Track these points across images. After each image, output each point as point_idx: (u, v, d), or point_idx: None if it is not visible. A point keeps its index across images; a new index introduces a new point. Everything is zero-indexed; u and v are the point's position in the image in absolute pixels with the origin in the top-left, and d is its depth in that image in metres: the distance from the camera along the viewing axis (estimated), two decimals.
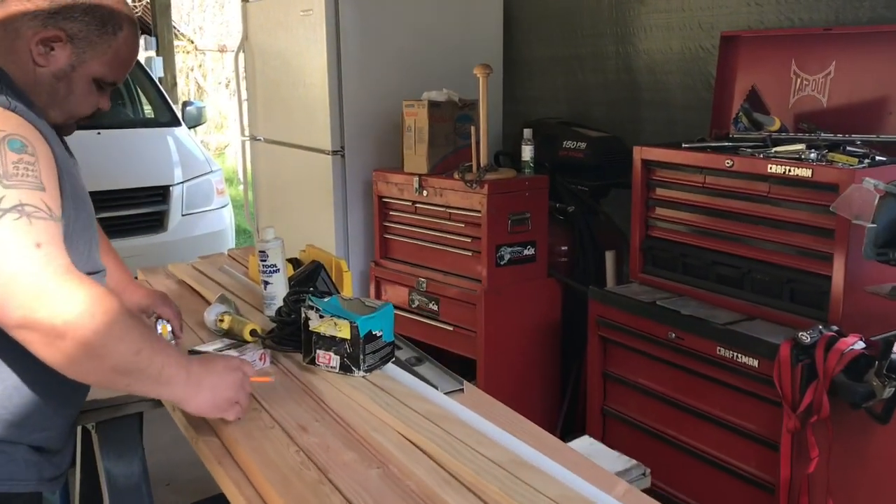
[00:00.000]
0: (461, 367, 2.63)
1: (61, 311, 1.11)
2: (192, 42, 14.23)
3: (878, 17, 2.39)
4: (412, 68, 3.37)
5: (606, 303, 2.49)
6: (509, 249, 2.83)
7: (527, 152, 2.93)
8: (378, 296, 3.26)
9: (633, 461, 1.47)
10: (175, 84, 8.48)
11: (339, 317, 1.59)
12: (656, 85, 3.12)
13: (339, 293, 1.99)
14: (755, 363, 2.05)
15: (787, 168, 2.09)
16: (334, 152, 3.35)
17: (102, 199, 4.15)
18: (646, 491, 1.34)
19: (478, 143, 2.79)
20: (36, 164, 1.19)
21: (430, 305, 3.01)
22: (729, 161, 2.23)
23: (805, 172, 2.05)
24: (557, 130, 3.13)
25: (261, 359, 1.72)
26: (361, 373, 1.61)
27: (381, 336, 1.63)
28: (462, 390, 1.63)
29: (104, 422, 1.67)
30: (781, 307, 2.17)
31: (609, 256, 2.97)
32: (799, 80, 2.46)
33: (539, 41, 3.66)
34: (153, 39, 8.27)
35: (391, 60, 3.37)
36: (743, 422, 2.13)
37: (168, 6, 8.55)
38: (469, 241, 2.88)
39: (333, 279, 2.03)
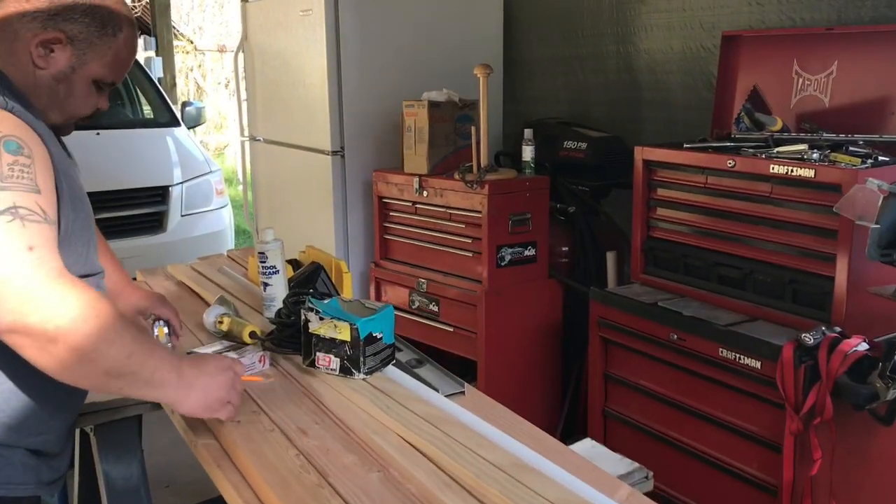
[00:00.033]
0: (461, 369, 2.63)
1: (53, 316, 1.10)
2: (192, 42, 14.23)
3: (881, 17, 2.38)
4: (412, 68, 3.36)
5: (607, 304, 2.48)
6: (510, 250, 2.83)
7: (527, 152, 2.92)
8: (378, 297, 3.25)
9: (636, 464, 1.46)
10: (174, 84, 8.48)
11: (339, 319, 1.58)
12: (657, 85, 3.11)
13: (338, 294, 1.98)
14: (757, 365, 2.04)
15: (790, 168, 2.08)
16: (334, 152, 3.34)
17: (102, 200, 4.15)
18: (648, 494, 1.33)
19: (478, 143, 2.78)
20: (32, 167, 1.18)
21: (431, 306, 3.00)
22: (731, 161, 2.22)
23: (808, 173, 2.04)
24: (558, 130, 3.12)
25: (260, 361, 1.71)
26: (362, 375, 1.60)
27: (381, 338, 1.62)
28: (463, 393, 1.62)
29: (103, 424, 1.66)
30: (784, 308, 2.16)
31: (610, 257, 2.96)
32: (801, 80, 2.45)
33: (539, 41, 3.65)
34: (152, 39, 8.27)
35: (391, 60, 3.36)
36: (745, 424, 2.12)
37: (167, 6, 8.55)
38: (469, 241, 2.87)
39: (333, 280, 2.02)
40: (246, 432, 1.42)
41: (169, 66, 8.32)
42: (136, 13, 9.97)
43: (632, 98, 3.22)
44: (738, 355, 2.08)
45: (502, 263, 2.82)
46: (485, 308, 2.79)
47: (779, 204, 2.16)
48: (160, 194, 4.65)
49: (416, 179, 2.98)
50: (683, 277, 2.43)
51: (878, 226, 1.76)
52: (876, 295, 1.91)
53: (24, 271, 1.10)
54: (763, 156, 2.19)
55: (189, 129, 5.41)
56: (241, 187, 4.66)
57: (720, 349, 2.12)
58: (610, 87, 3.32)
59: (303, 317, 1.63)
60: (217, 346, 1.79)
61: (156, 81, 5.89)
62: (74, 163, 1.40)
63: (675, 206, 2.45)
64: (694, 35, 2.94)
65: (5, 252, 1.10)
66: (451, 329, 2.94)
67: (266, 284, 1.97)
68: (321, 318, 1.60)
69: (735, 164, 2.21)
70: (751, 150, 2.25)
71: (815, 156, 2.08)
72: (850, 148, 2.11)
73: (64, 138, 1.43)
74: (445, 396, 1.56)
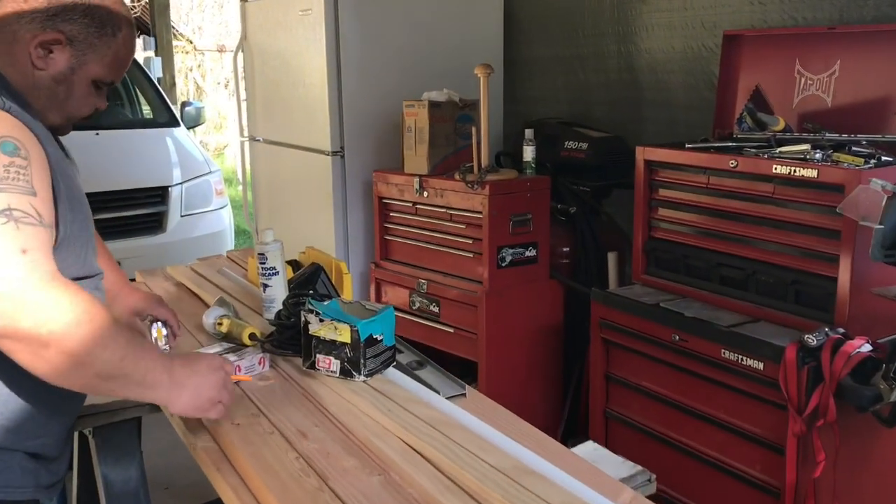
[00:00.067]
0: (462, 370, 2.62)
1: (46, 320, 1.09)
2: (191, 42, 14.22)
3: (883, 16, 2.37)
4: (412, 68, 3.35)
5: (609, 304, 2.47)
6: (511, 251, 2.82)
7: (528, 153, 2.91)
8: (378, 298, 3.24)
9: (639, 467, 1.45)
10: (174, 84, 8.47)
11: (339, 320, 1.58)
12: (658, 85, 3.10)
13: (339, 296, 1.97)
14: (760, 366, 2.02)
15: (793, 168, 2.07)
16: (334, 153, 3.33)
17: (101, 200, 4.14)
18: (651, 497, 1.32)
19: (479, 143, 2.77)
20: (28, 168, 1.17)
21: (431, 307, 2.99)
22: (733, 161, 2.21)
23: (810, 173, 2.03)
24: (559, 130, 3.12)
25: (260, 363, 1.70)
26: (362, 377, 1.59)
27: (381, 340, 1.61)
28: (464, 395, 1.61)
29: (101, 427, 1.66)
30: (786, 309, 2.15)
31: (611, 258, 2.95)
32: (803, 80, 2.44)
33: (539, 41, 3.64)
34: (152, 40, 8.26)
35: (391, 60, 3.35)
36: (748, 425, 2.11)
37: (167, 6, 8.54)
38: (470, 242, 2.86)
39: (333, 281, 2.02)
40: (245, 435, 1.41)
41: (168, 66, 8.31)
42: (135, 13, 9.97)
43: (633, 98, 3.21)
44: (740, 356, 2.07)
45: (503, 264, 2.81)
46: (485, 309, 2.78)
47: (781, 204, 2.14)
48: (160, 195, 4.65)
49: (416, 180, 2.97)
50: (685, 278, 2.42)
51: (881, 226, 1.75)
52: (879, 296, 1.90)
53: (17, 275, 1.09)
54: (765, 156, 2.17)
55: (188, 129, 5.41)
56: (240, 188, 4.65)
57: (722, 350, 2.11)
58: (611, 86, 3.31)
59: (303, 318, 1.62)
60: (216, 348, 1.78)
61: (155, 81, 5.88)
62: (73, 163, 1.39)
63: (677, 206, 2.44)
64: (695, 34, 2.93)
65: None
66: (452, 330, 2.93)
67: (266, 286, 1.96)
68: (321, 320, 1.59)
69: (737, 165, 2.20)
70: (753, 151, 2.24)
71: (817, 156, 2.07)
72: (853, 148, 2.10)
73: (63, 138, 1.42)
74: (446, 399, 1.55)
